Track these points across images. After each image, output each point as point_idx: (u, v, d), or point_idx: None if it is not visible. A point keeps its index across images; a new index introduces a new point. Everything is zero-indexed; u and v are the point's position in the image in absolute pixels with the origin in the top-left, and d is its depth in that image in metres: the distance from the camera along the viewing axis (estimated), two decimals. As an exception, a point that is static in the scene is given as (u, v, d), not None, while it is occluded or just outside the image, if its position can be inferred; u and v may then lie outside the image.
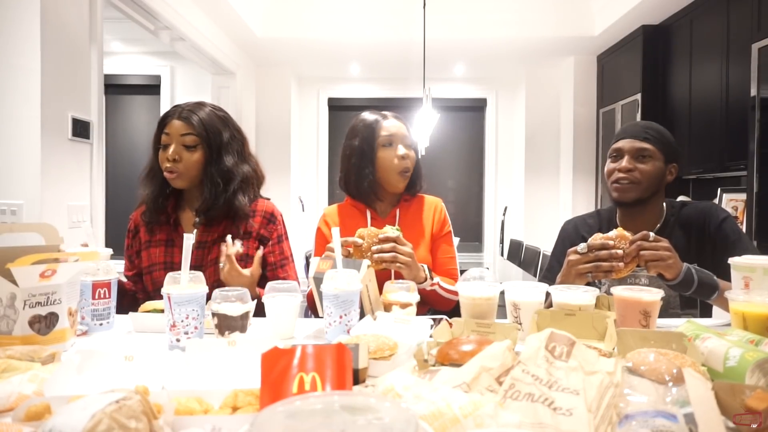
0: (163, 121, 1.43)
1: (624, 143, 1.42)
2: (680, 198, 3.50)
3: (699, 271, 1.22)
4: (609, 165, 1.46)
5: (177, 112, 1.43)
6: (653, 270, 1.17)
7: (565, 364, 0.65)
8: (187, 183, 1.44)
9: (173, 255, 1.46)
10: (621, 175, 1.40)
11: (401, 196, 1.59)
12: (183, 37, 3.56)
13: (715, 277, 1.23)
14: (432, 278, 1.41)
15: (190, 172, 1.42)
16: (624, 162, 1.40)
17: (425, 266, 1.41)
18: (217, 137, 1.44)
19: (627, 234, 1.20)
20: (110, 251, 1.32)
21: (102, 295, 1.16)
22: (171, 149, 1.40)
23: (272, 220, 1.51)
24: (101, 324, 1.16)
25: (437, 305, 1.47)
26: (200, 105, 1.48)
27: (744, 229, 2.82)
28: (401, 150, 1.51)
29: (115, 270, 1.22)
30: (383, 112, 1.58)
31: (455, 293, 1.45)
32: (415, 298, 1.20)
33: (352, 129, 1.57)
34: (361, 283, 1.14)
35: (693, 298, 1.38)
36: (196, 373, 0.85)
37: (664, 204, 1.48)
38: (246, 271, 1.35)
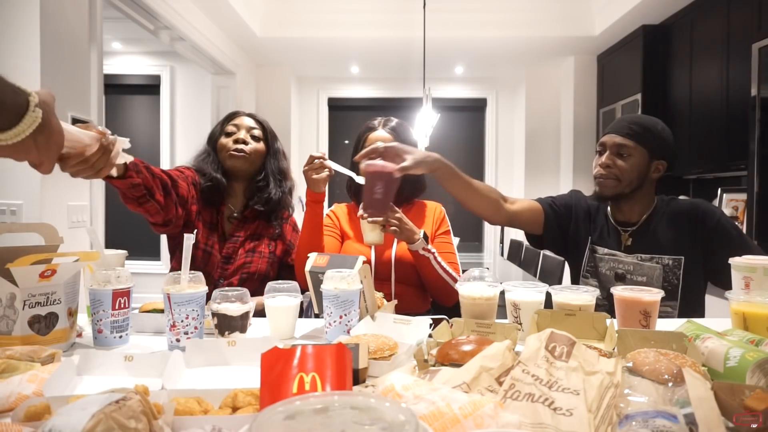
0: (232, 116, 1.66)
1: (607, 138, 1.47)
2: (680, 198, 3.50)
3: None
4: (595, 159, 1.52)
5: (243, 113, 1.67)
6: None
7: (566, 365, 0.65)
8: (248, 165, 1.61)
9: (214, 239, 1.57)
10: (601, 171, 1.47)
11: (402, 202, 1.63)
12: (183, 37, 3.56)
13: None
14: (428, 245, 1.45)
15: (253, 156, 1.61)
16: (603, 158, 1.46)
17: (423, 231, 1.45)
18: (275, 141, 1.69)
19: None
20: (125, 253, 1.24)
21: (122, 305, 1.05)
22: (241, 133, 1.60)
23: (291, 214, 1.76)
24: (120, 336, 1.05)
25: (432, 286, 1.49)
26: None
27: (744, 229, 2.82)
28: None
29: (132, 277, 1.09)
30: (377, 122, 1.61)
31: (453, 278, 1.48)
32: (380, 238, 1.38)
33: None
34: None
35: (674, 292, 1.39)
36: (196, 373, 0.86)
37: (656, 198, 1.53)
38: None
